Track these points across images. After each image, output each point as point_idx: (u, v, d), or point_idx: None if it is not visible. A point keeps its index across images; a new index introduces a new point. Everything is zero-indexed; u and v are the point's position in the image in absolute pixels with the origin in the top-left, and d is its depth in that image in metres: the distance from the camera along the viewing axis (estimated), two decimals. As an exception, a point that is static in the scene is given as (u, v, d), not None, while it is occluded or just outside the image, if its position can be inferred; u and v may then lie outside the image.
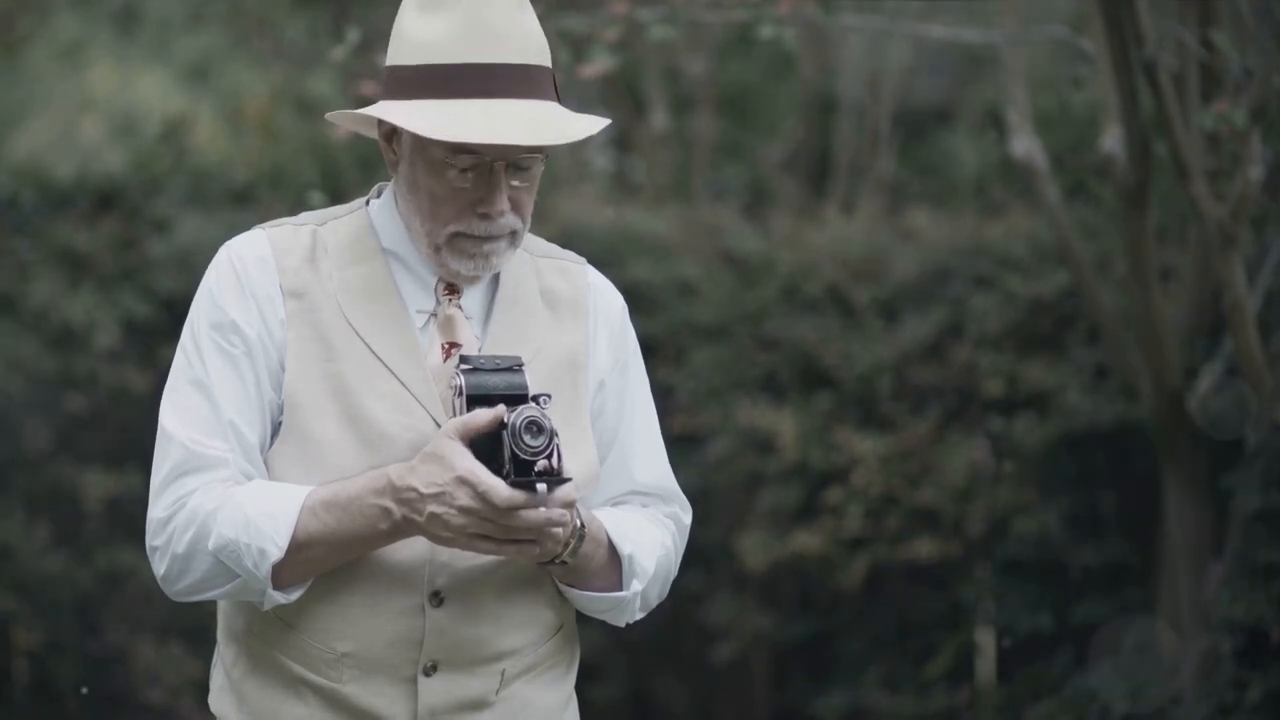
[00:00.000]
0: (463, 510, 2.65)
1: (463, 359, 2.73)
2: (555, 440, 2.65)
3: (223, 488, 2.75)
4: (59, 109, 11.45)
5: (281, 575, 2.72)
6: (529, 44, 2.80)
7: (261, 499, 2.73)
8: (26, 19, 11.01)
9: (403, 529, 2.70)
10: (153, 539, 2.78)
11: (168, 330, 7.22)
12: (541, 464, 2.64)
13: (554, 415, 2.68)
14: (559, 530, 2.68)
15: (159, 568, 2.78)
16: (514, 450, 2.64)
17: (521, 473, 2.64)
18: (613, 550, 2.85)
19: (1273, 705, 5.35)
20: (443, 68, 2.76)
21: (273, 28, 10.20)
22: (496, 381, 2.71)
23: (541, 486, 2.64)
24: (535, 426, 2.64)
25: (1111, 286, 6.48)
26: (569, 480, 2.67)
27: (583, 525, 2.75)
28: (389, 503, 2.69)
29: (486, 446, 2.66)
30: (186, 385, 2.81)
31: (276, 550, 2.70)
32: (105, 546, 7.45)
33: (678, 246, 7.72)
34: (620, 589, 2.87)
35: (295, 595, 2.75)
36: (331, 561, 2.74)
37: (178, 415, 2.80)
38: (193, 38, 11.61)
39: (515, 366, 2.73)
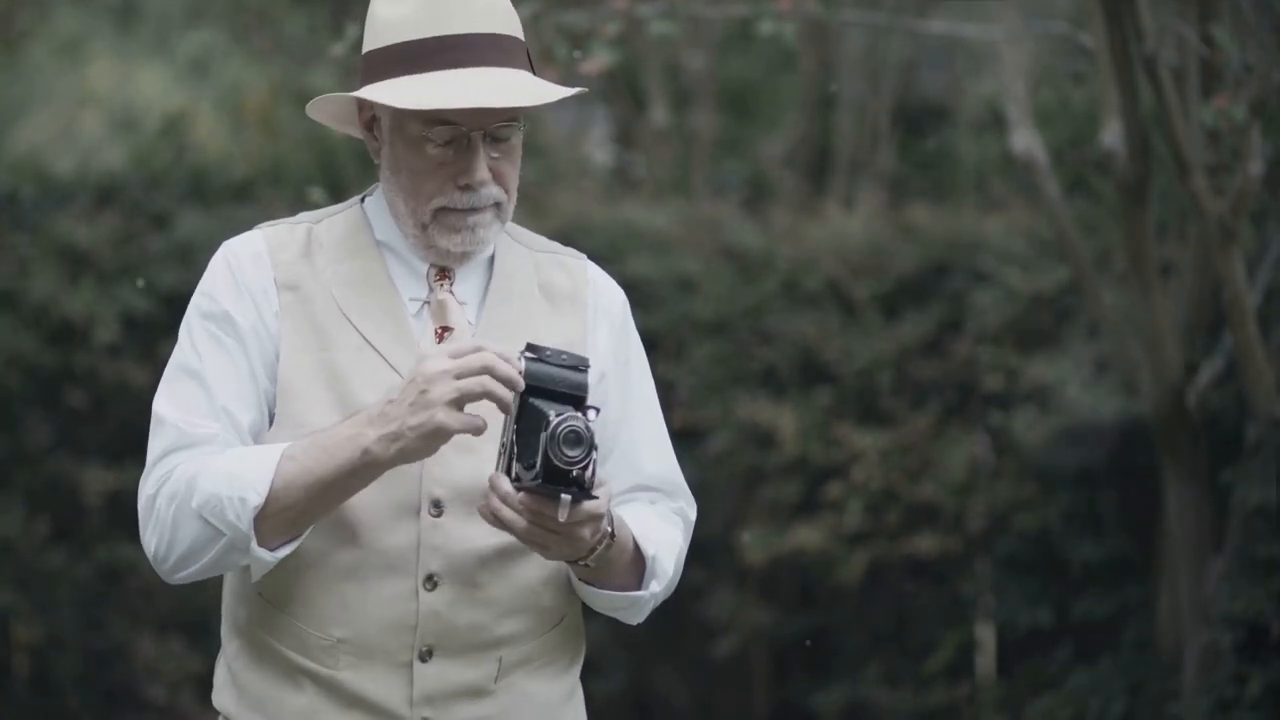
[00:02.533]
0: (438, 374, 2.64)
1: (529, 346, 2.67)
2: (593, 454, 2.60)
3: (206, 456, 2.76)
4: (59, 104, 11.46)
5: (264, 527, 2.71)
6: (496, 14, 2.82)
7: (245, 456, 2.74)
8: (26, 14, 11.00)
9: (374, 453, 2.67)
10: (143, 516, 2.78)
11: (167, 325, 7.19)
12: (574, 474, 2.60)
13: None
14: (547, 535, 2.67)
15: (150, 545, 2.78)
16: (548, 454, 2.59)
17: (551, 479, 2.60)
18: (636, 551, 2.84)
19: (1273, 700, 5.35)
20: (413, 44, 2.79)
21: (272, 23, 10.20)
22: (559, 376, 2.65)
23: (566, 498, 2.61)
24: (575, 436, 2.58)
25: (1111, 282, 6.47)
26: (595, 499, 2.64)
27: (613, 533, 2.74)
28: (362, 426, 2.68)
29: (527, 442, 2.63)
30: (180, 373, 2.83)
31: (256, 496, 2.69)
32: (105, 541, 7.46)
33: (678, 241, 7.72)
34: (639, 589, 2.87)
35: (282, 553, 2.73)
36: (313, 508, 2.72)
37: (171, 402, 2.81)
38: (192, 33, 11.60)
39: (581, 366, 2.67)
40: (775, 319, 7.42)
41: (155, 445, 2.81)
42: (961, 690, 7.11)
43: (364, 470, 2.70)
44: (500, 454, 2.68)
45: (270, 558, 2.73)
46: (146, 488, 2.79)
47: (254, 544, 2.71)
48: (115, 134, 10.94)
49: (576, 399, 2.64)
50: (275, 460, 2.71)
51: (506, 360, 2.66)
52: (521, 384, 2.65)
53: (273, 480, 2.70)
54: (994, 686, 7.08)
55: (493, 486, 2.67)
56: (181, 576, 2.78)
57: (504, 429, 2.67)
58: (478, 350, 2.66)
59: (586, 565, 2.76)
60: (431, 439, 2.67)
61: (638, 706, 7.65)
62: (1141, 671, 6.24)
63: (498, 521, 2.69)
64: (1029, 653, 6.94)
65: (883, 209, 8.52)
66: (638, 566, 2.85)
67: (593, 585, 2.85)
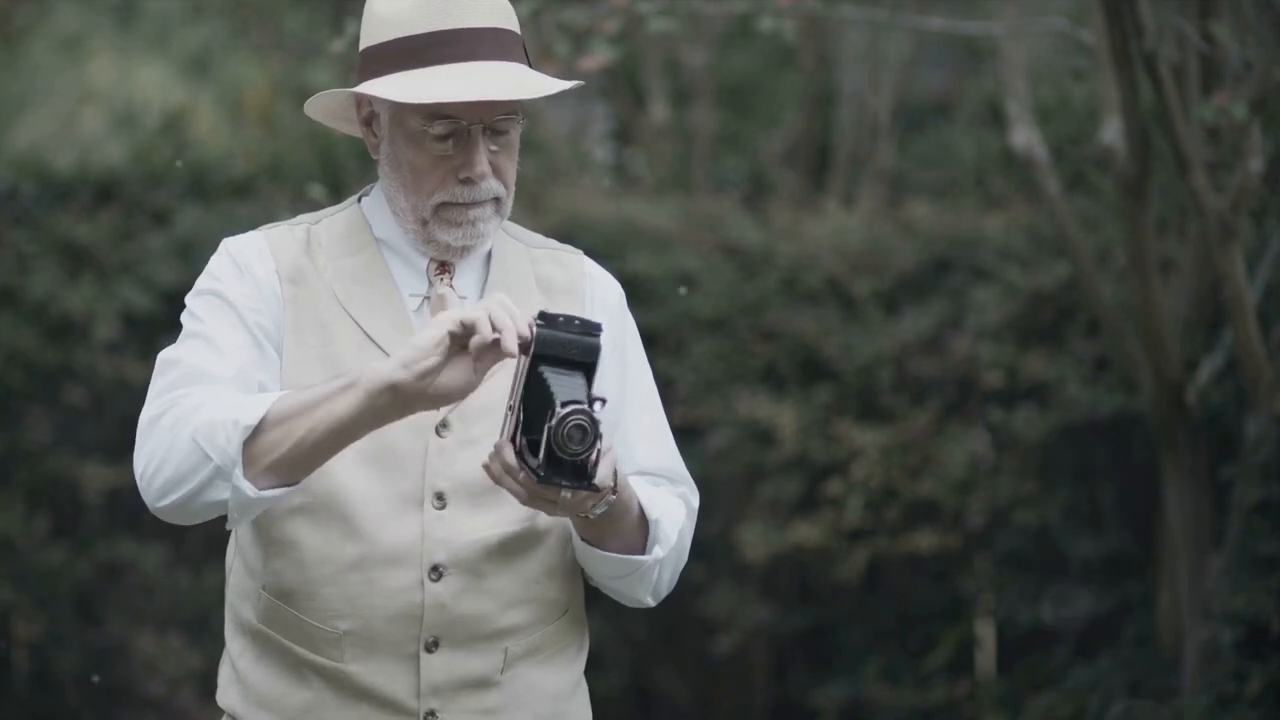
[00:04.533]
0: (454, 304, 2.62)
1: (541, 314, 2.64)
2: (598, 443, 2.58)
3: (214, 392, 2.72)
4: (59, 101, 11.47)
5: (254, 452, 2.65)
6: (492, 9, 2.84)
7: (251, 395, 2.72)
8: (26, 10, 11.01)
9: (373, 366, 2.64)
10: (141, 435, 2.73)
11: (167, 322, 7.21)
12: (577, 464, 2.59)
13: None
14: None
15: (140, 464, 2.72)
16: (552, 446, 2.57)
17: (555, 469, 2.58)
18: (641, 516, 2.84)
19: (1273, 697, 5.36)
20: (411, 39, 2.81)
21: (272, 20, 10.21)
22: (569, 341, 2.62)
23: (566, 495, 2.61)
24: (580, 433, 2.56)
25: (1111, 278, 6.47)
26: (595, 489, 2.63)
27: (614, 487, 2.71)
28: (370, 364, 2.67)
29: (534, 416, 2.61)
30: (188, 338, 2.81)
31: (250, 418, 2.63)
32: (105, 538, 7.46)
33: (678, 238, 7.71)
34: (643, 553, 2.86)
35: (267, 495, 2.67)
36: (306, 437, 2.65)
37: (181, 352, 2.79)
38: (192, 30, 11.61)
39: (594, 331, 2.65)
40: (775, 316, 7.42)
41: (162, 380, 2.76)
42: (962, 687, 7.11)
43: (358, 390, 2.63)
44: (507, 415, 2.66)
45: (253, 492, 2.65)
46: (149, 410, 2.74)
47: (239, 472, 2.63)
48: (115, 130, 10.96)
49: (587, 365, 2.63)
50: (280, 393, 2.70)
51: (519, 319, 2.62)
52: (514, 349, 2.61)
53: (270, 405, 2.65)
54: (994, 683, 7.08)
55: (499, 453, 2.66)
56: (164, 505, 2.70)
57: (511, 391, 2.65)
58: (498, 296, 2.64)
59: (586, 517, 2.74)
60: (429, 348, 2.60)
61: (638, 703, 7.65)
62: (1141, 668, 6.24)
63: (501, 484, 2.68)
64: (1029, 649, 6.94)
65: (882, 205, 8.51)
66: (641, 531, 2.85)
67: (595, 547, 2.85)
